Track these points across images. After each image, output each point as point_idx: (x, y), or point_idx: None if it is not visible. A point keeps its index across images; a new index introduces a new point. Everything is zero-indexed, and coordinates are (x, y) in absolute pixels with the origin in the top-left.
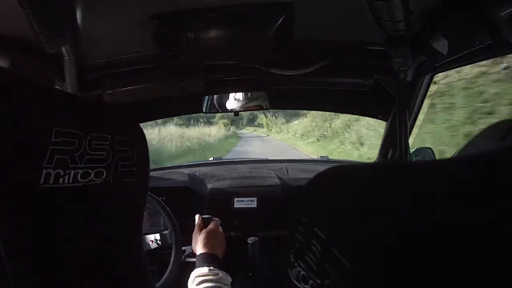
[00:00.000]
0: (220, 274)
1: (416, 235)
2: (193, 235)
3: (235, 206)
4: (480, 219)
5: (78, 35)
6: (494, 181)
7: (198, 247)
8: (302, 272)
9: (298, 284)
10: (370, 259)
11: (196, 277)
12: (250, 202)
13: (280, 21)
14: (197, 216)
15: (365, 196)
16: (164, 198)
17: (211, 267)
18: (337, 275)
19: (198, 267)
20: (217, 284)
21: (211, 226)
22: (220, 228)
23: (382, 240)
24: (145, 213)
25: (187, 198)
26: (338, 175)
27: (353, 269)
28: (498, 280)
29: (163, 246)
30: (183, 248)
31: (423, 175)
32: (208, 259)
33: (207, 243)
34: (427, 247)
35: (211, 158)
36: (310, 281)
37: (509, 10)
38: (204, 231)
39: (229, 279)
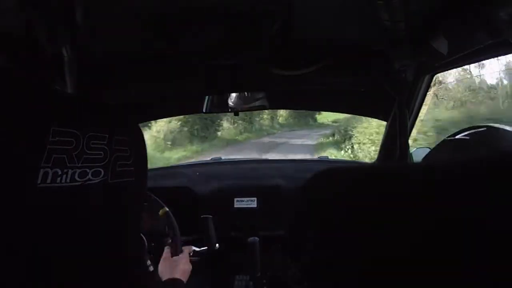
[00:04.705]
0: None
1: (399, 238)
2: (165, 258)
3: (235, 206)
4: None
5: (78, 35)
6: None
7: (173, 271)
8: (298, 273)
9: (294, 285)
10: (359, 263)
11: None
12: (250, 202)
13: (280, 21)
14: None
15: (353, 200)
16: (164, 198)
17: None
18: (329, 278)
19: None
20: None
21: (183, 253)
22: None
23: (369, 243)
24: (145, 213)
25: (187, 198)
26: (331, 178)
27: (343, 272)
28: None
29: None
30: (182, 248)
31: (410, 179)
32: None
33: (182, 269)
34: (411, 249)
35: (211, 158)
36: (305, 283)
37: (509, 10)
38: (178, 257)
39: None
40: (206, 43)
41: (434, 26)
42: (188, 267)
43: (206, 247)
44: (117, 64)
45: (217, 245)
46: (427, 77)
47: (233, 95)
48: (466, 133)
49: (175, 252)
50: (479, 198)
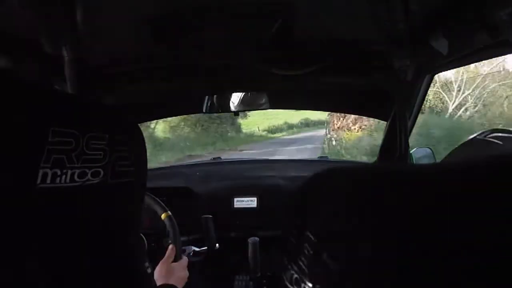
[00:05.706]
0: None
1: (401, 239)
2: (164, 262)
3: (235, 206)
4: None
5: (78, 35)
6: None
7: (169, 277)
8: (296, 275)
9: (292, 286)
10: (357, 265)
11: None
12: (250, 202)
13: (280, 21)
14: (170, 246)
15: (353, 200)
16: (164, 198)
17: None
18: (327, 280)
19: None
20: None
21: (183, 260)
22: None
23: (369, 245)
24: (145, 214)
25: (187, 198)
26: (331, 178)
27: (340, 274)
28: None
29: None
30: (183, 248)
31: (411, 181)
32: None
33: (178, 276)
34: (413, 250)
35: (211, 158)
36: (303, 285)
37: (509, 10)
38: (177, 263)
39: None
40: (206, 43)
41: (434, 26)
42: (185, 274)
43: (206, 247)
44: (117, 64)
45: (217, 245)
46: (427, 77)
47: (233, 95)
48: (493, 135)
49: (175, 258)
50: (492, 200)
